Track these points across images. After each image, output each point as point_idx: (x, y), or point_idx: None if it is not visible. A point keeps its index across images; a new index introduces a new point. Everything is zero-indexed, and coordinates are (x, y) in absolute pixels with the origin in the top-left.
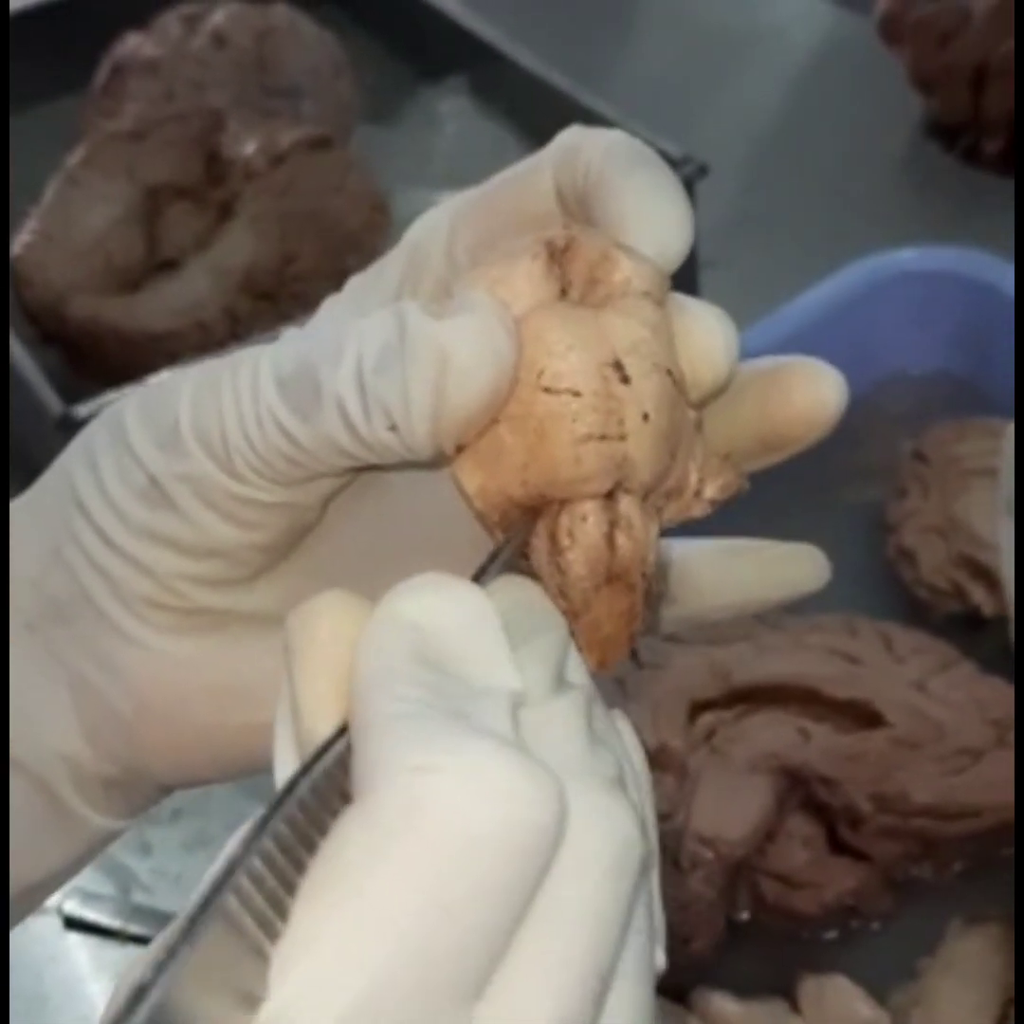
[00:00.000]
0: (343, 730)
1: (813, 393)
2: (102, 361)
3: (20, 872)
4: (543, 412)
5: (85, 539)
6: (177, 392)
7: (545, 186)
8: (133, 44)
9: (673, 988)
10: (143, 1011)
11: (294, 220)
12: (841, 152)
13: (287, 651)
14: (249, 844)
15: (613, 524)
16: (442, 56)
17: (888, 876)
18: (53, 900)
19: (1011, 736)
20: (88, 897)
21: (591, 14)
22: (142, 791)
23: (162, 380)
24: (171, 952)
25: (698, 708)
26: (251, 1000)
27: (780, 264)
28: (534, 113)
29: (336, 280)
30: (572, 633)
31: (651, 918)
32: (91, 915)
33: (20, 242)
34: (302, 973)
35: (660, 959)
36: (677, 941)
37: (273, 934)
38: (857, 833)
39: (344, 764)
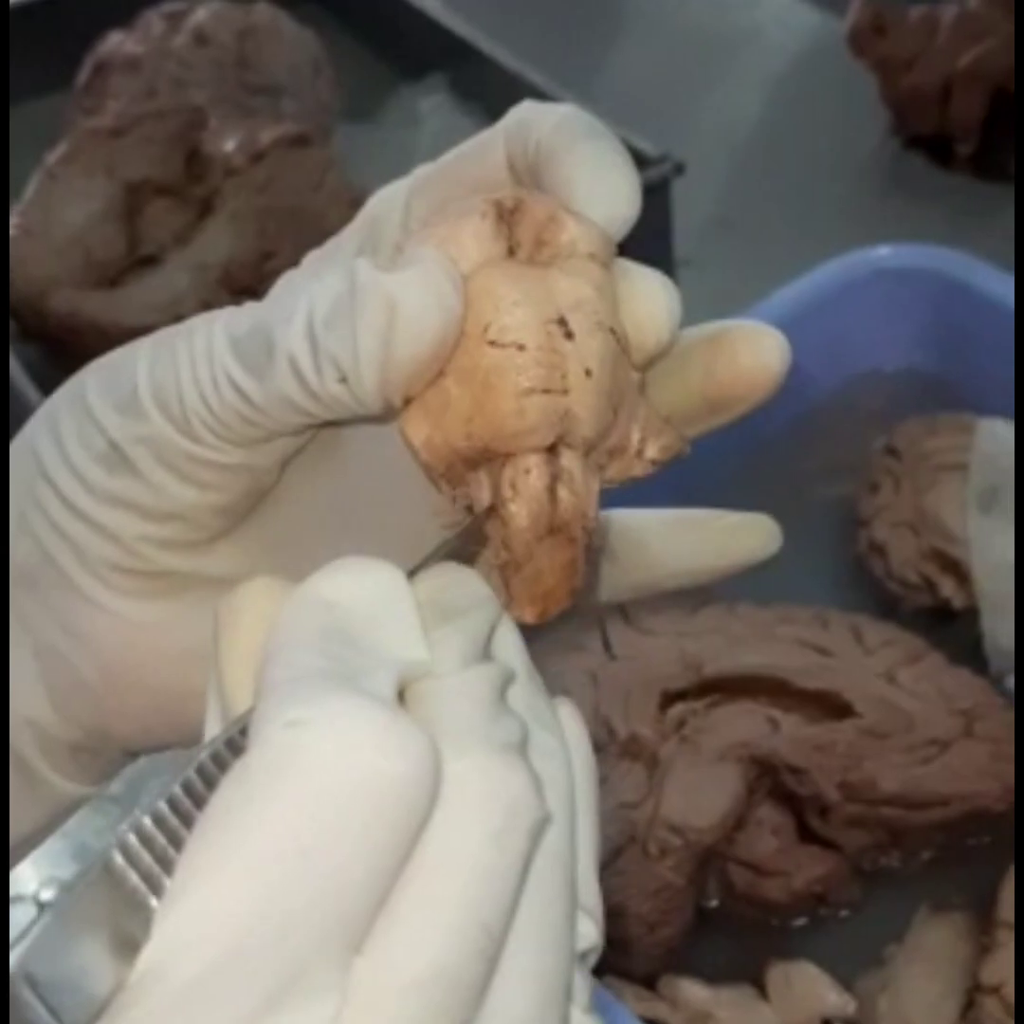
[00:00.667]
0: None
1: (757, 355)
2: (82, 356)
3: None
4: (489, 365)
5: (49, 505)
6: (135, 357)
7: (498, 158)
8: (115, 42)
9: (642, 975)
10: (19, 950)
11: (273, 217)
12: (817, 154)
13: (214, 632)
14: (147, 808)
15: (555, 477)
16: (422, 55)
17: (856, 865)
18: (30, 888)
19: (978, 727)
20: (66, 887)
21: (571, 14)
22: (107, 756)
23: (121, 348)
24: (52, 905)
25: (669, 698)
26: (135, 949)
27: (756, 263)
28: None
29: None
30: (510, 588)
31: (567, 888)
32: None
33: None
34: (174, 923)
35: (590, 934)
36: (646, 928)
37: (161, 891)
38: (826, 822)
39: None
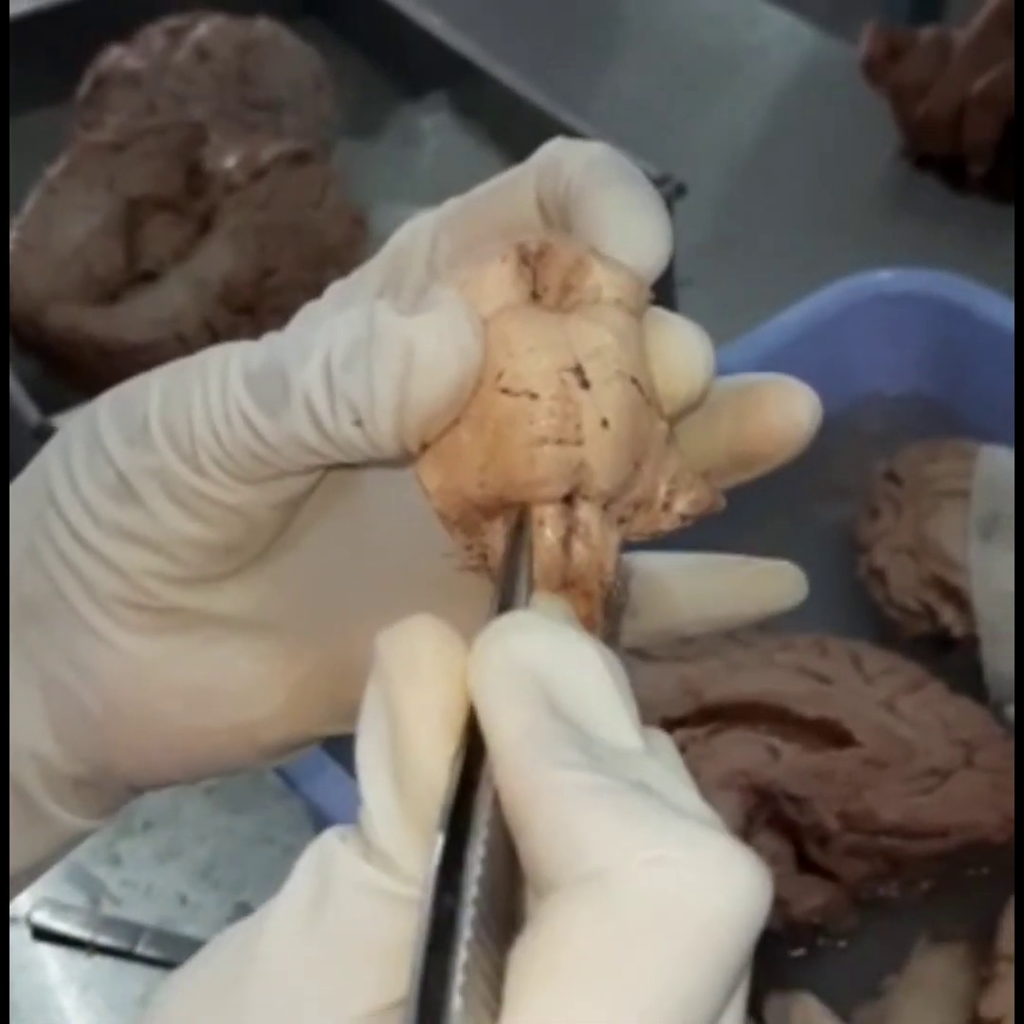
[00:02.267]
0: (466, 769)
1: (787, 411)
2: (80, 371)
3: None
4: (500, 413)
5: (58, 536)
6: (148, 388)
7: (527, 196)
8: (116, 56)
9: None
10: None
11: (273, 233)
12: (820, 174)
13: (381, 675)
14: (438, 909)
15: (571, 530)
16: (424, 72)
17: (855, 894)
18: (23, 909)
19: (978, 756)
20: (58, 908)
21: (573, 33)
22: (111, 791)
23: (135, 378)
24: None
25: (669, 725)
26: None
27: (757, 284)
28: (514, 131)
29: (315, 294)
30: None
31: None
32: (61, 926)
33: None
34: None
35: None
36: None
37: (491, 1013)
38: (825, 851)
39: (497, 824)
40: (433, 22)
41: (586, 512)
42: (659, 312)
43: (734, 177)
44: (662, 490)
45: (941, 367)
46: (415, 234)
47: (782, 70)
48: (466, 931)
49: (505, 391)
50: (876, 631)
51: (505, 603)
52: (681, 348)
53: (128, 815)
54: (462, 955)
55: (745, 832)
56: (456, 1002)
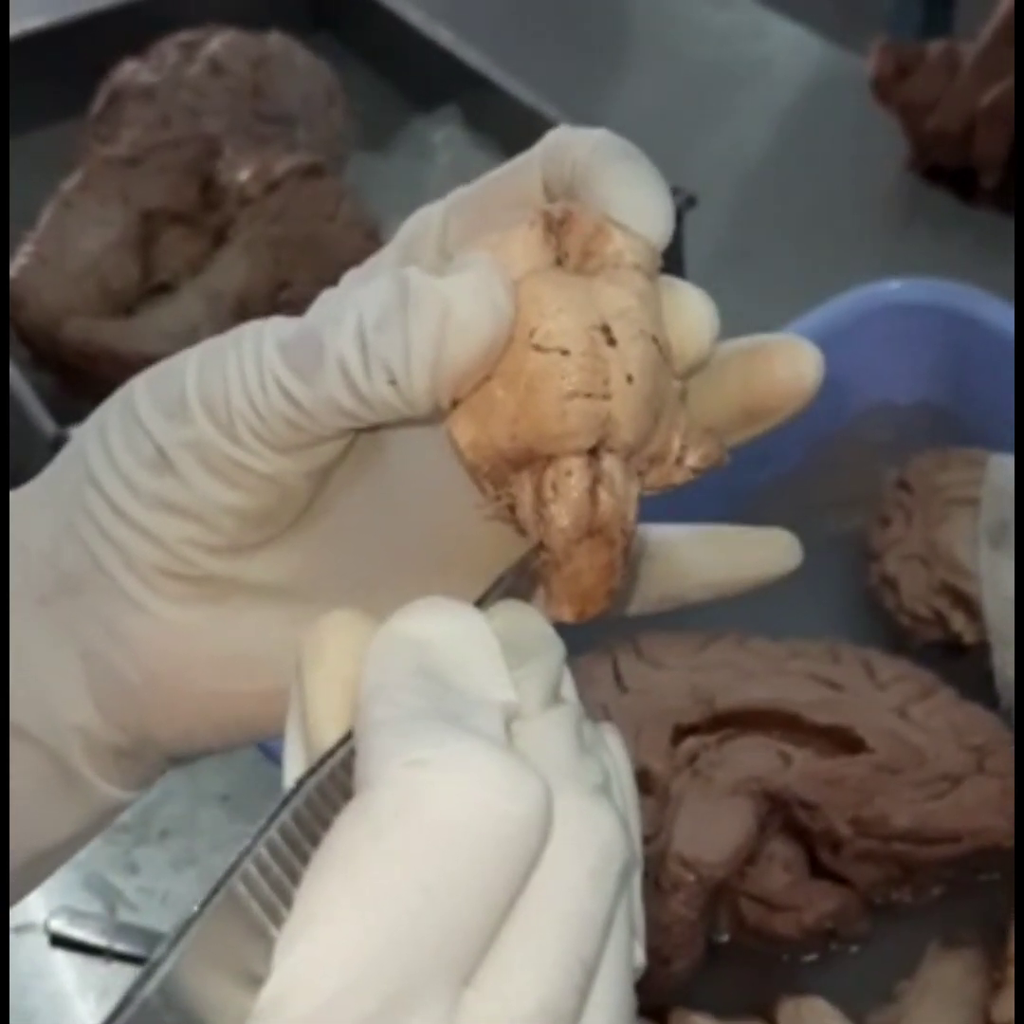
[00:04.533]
0: (348, 737)
1: (793, 366)
2: (95, 384)
3: (31, 840)
4: (533, 369)
5: (97, 511)
6: (185, 363)
7: (534, 180)
8: (130, 70)
9: (653, 1008)
10: (153, 983)
11: (287, 247)
12: (829, 185)
13: (298, 664)
14: (257, 836)
15: (596, 480)
16: (435, 86)
17: (867, 900)
18: (40, 917)
19: (989, 762)
20: (75, 915)
21: (583, 46)
22: (149, 760)
23: (171, 357)
24: (181, 931)
25: (681, 732)
26: (256, 981)
27: (767, 296)
28: (525, 143)
29: None
30: (550, 587)
31: (631, 917)
32: (78, 933)
33: (16, 265)
34: (296, 956)
35: (639, 956)
36: (657, 962)
37: (278, 919)
38: (837, 857)
39: (348, 767)
40: (444, 36)
41: (610, 464)
42: (668, 279)
43: (744, 189)
44: (676, 444)
45: (951, 376)
46: (426, 220)
47: (791, 82)
48: (258, 846)
49: (537, 348)
50: (887, 638)
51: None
52: (690, 311)
53: (145, 825)
54: (245, 863)
55: (757, 838)
56: (223, 900)
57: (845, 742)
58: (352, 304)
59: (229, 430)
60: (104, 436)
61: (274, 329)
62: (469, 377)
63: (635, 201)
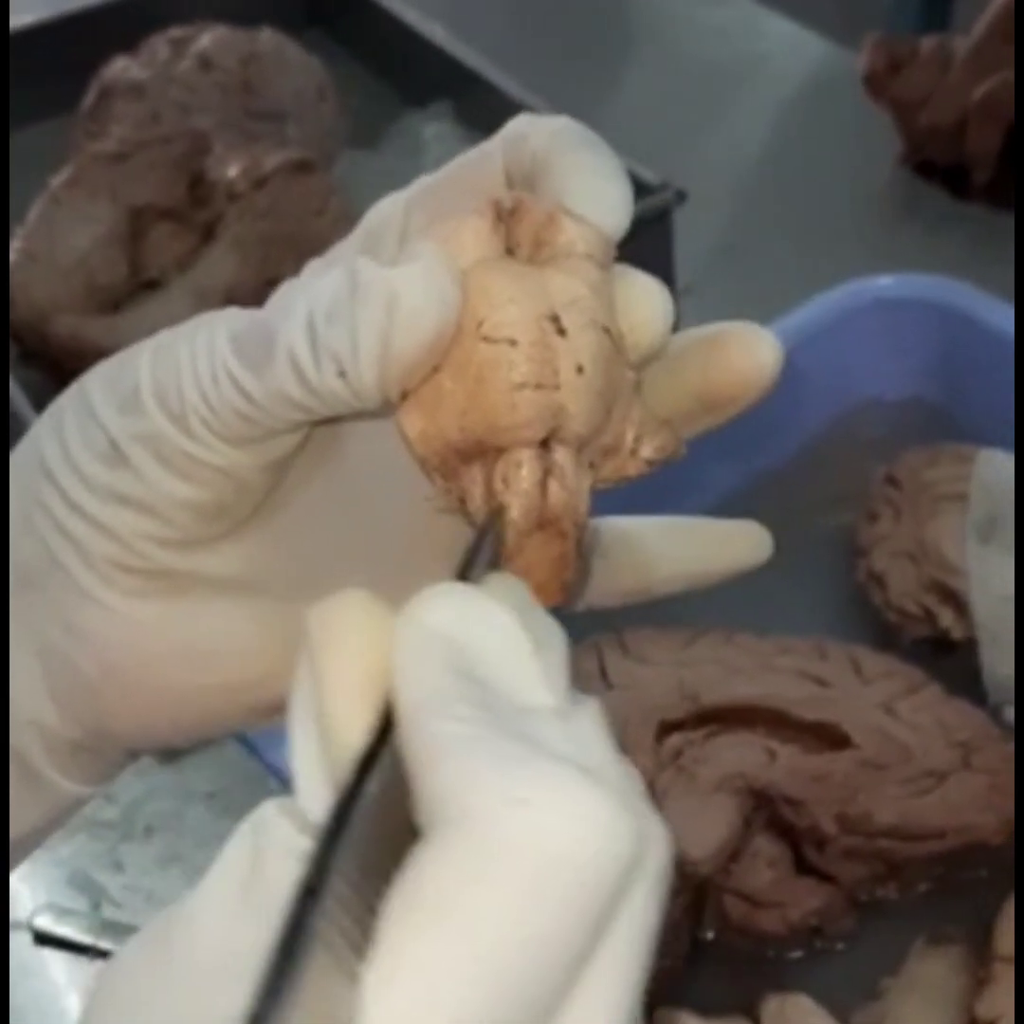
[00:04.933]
0: (380, 738)
1: (751, 355)
2: None
3: None
4: (481, 359)
5: (52, 504)
6: (138, 356)
7: (495, 169)
8: (120, 66)
9: None
10: None
11: (276, 243)
12: (823, 182)
13: (310, 649)
14: (321, 863)
15: (547, 472)
16: (427, 82)
17: (852, 897)
18: (24, 915)
19: (976, 758)
20: (60, 913)
21: (576, 42)
22: (108, 756)
23: (125, 349)
24: (276, 978)
25: (666, 728)
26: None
27: (759, 292)
28: None
29: None
30: None
31: None
32: (63, 931)
33: None
34: (392, 1004)
35: None
36: None
37: (361, 956)
38: (822, 854)
39: (397, 781)
40: (436, 32)
41: (562, 455)
42: (621, 268)
43: (737, 185)
44: (630, 436)
45: (941, 372)
46: (388, 210)
47: (788, 80)
48: (335, 879)
49: (486, 338)
50: (875, 634)
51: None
52: (644, 301)
53: (130, 822)
54: (327, 899)
55: (742, 835)
56: (314, 944)
57: (831, 738)
58: (304, 296)
59: (182, 423)
60: (59, 429)
61: (227, 321)
62: (417, 368)
63: (590, 189)
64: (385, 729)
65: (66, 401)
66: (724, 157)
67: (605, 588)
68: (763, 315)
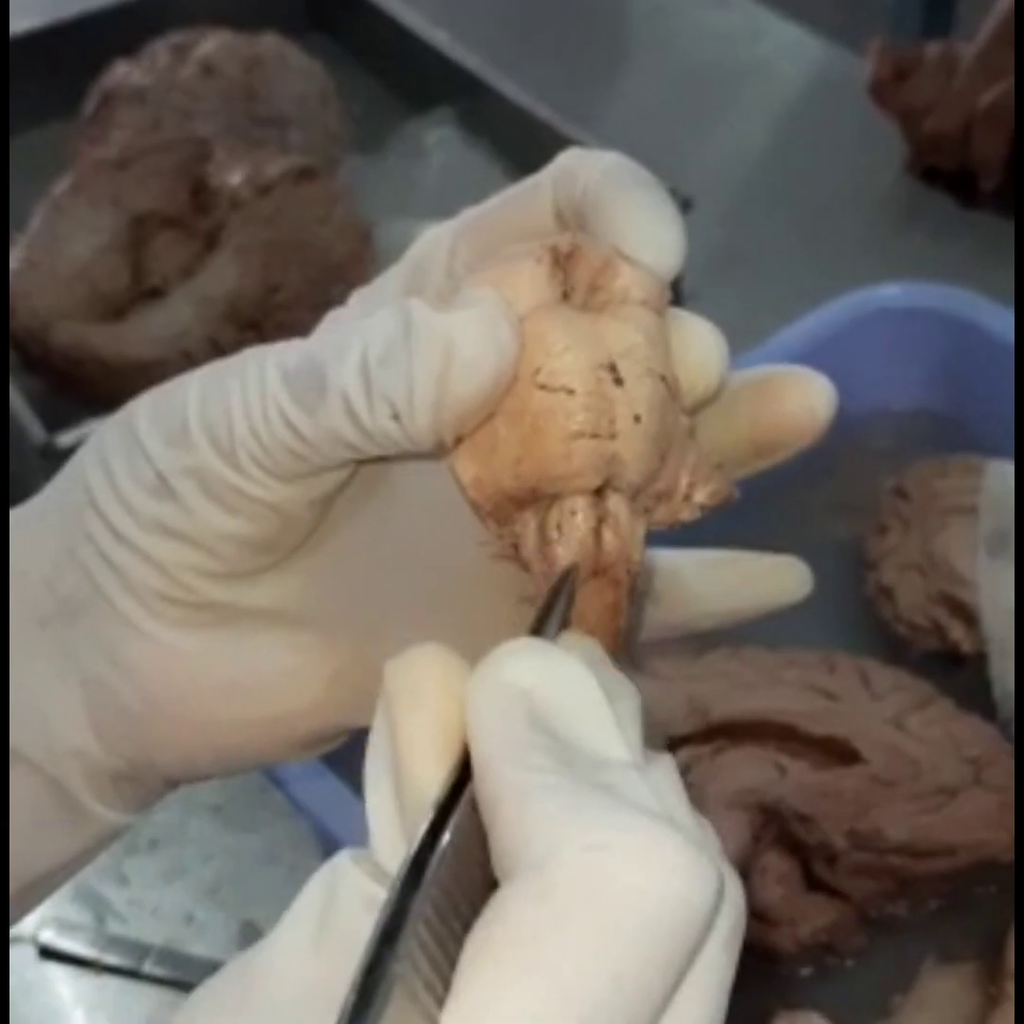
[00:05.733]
0: (456, 789)
1: (804, 399)
2: (85, 389)
3: (29, 862)
4: (538, 408)
5: (98, 536)
6: (186, 389)
7: (544, 204)
8: (121, 72)
9: None
10: None
11: (279, 250)
12: (827, 187)
13: (385, 701)
14: (400, 908)
15: (601, 520)
16: (430, 87)
17: (863, 913)
18: (29, 929)
19: (987, 774)
20: (64, 927)
21: (579, 48)
22: (148, 785)
23: (173, 381)
24: (355, 1021)
25: (675, 743)
26: None
27: (764, 299)
28: (520, 145)
29: (320, 310)
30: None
31: None
32: (67, 945)
33: None
34: None
35: None
36: None
37: (439, 1000)
38: (832, 870)
39: (472, 829)
40: (439, 37)
41: (616, 503)
42: (676, 312)
43: (741, 191)
44: (684, 482)
45: (949, 382)
46: (434, 242)
47: (789, 83)
48: (415, 924)
49: (543, 387)
50: (884, 648)
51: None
52: (699, 346)
53: (134, 834)
54: (406, 944)
55: (752, 851)
56: (393, 988)
57: (841, 753)
58: (356, 336)
59: (231, 458)
60: (105, 460)
61: (278, 356)
62: (472, 415)
63: (646, 232)
64: (461, 780)
65: (111, 430)
66: (726, 162)
67: (650, 623)
68: (769, 322)
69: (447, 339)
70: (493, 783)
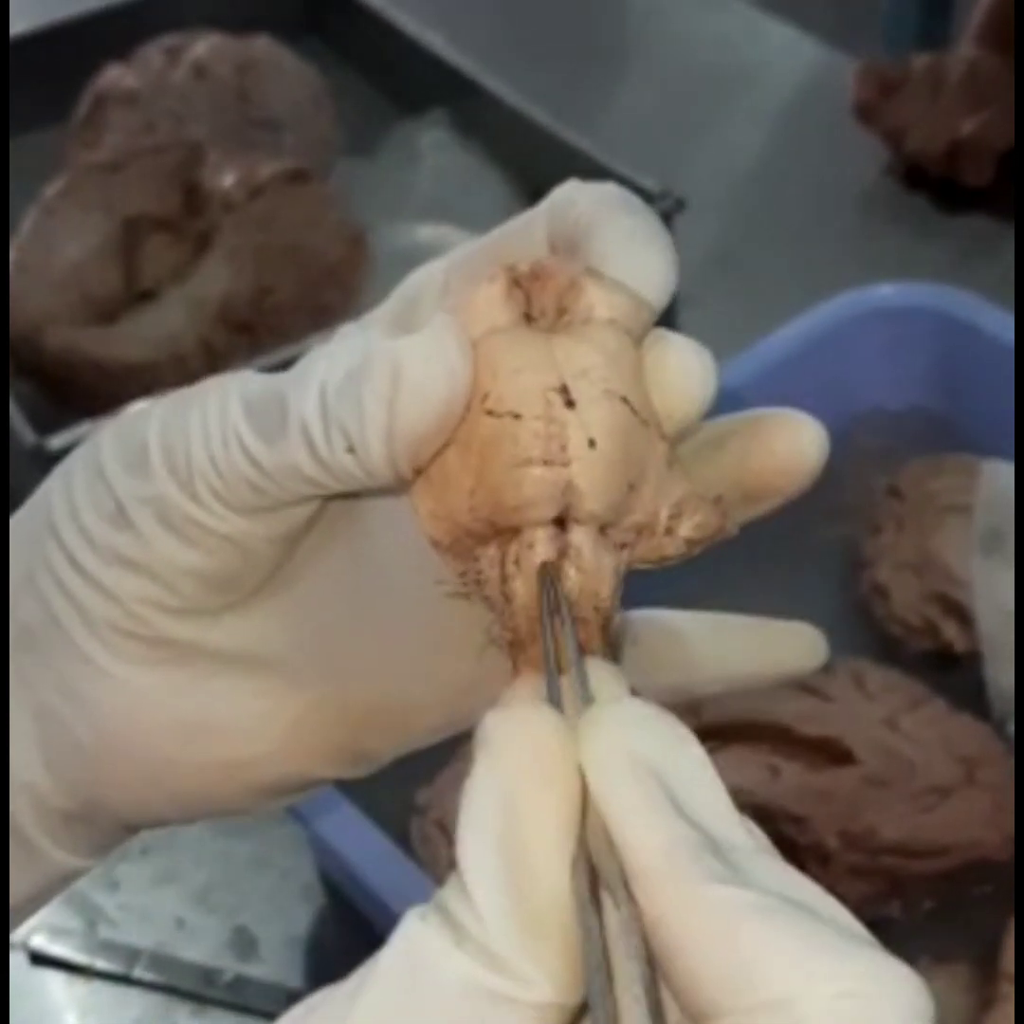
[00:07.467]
0: (590, 868)
1: (794, 444)
2: (77, 392)
3: None
4: (485, 435)
5: (56, 564)
6: (149, 416)
7: (538, 237)
8: (114, 75)
9: None
10: None
11: (272, 253)
12: (820, 190)
13: (499, 769)
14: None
15: (562, 554)
16: (423, 90)
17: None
18: (20, 934)
19: (980, 774)
20: (56, 932)
21: (573, 50)
22: (102, 828)
23: (137, 406)
24: None
25: None
26: None
27: (758, 300)
28: (514, 148)
29: (313, 313)
30: (516, 667)
31: None
32: (58, 950)
33: None
34: None
35: None
36: None
37: None
38: (826, 871)
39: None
40: (433, 40)
41: (578, 536)
42: (660, 332)
43: (734, 193)
44: (664, 514)
45: (942, 381)
46: (426, 277)
47: (783, 86)
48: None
49: (490, 412)
50: (878, 647)
51: (551, 674)
52: (678, 366)
53: (122, 844)
54: None
55: None
56: None
57: (834, 754)
58: (320, 366)
59: (189, 488)
60: (68, 487)
61: (240, 384)
62: (426, 444)
63: (628, 254)
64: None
65: (77, 457)
66: (719, 163)
67: (646, 684)
68: (763, 324)
69: (395, 364)
70: (672, 897)
